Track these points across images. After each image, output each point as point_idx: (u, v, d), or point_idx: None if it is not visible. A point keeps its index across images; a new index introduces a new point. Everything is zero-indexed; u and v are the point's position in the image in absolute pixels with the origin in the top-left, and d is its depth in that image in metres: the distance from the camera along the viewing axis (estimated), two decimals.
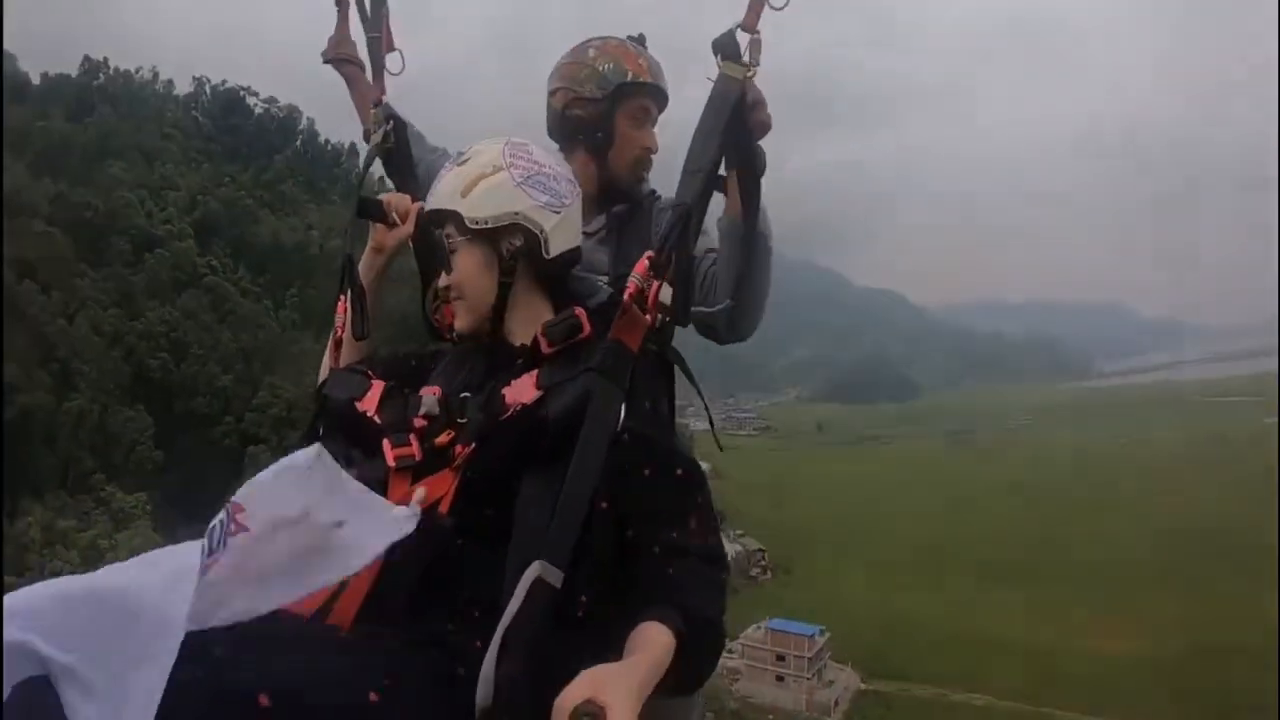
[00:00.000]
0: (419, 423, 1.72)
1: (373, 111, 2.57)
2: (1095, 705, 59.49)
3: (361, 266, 2.20)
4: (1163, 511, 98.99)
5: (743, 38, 1.94)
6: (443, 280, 1.90)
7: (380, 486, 1.61)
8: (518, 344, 1.86)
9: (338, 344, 2.10)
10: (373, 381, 1.85)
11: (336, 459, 1.52)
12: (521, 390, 1.70)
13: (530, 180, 1.85)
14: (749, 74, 1.93)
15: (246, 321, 64.02)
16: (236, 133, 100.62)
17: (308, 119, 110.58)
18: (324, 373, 2.13)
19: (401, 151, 2.55)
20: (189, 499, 49.13)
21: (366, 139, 2.62)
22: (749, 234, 2.18)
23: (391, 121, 2.52)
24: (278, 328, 67.01)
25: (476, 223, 1.82)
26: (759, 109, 2.03)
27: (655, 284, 1.70)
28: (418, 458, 1.68)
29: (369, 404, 1.80)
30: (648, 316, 1.70)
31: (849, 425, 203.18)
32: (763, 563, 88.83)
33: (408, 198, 2.33)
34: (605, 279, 2.28)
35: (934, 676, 65.36)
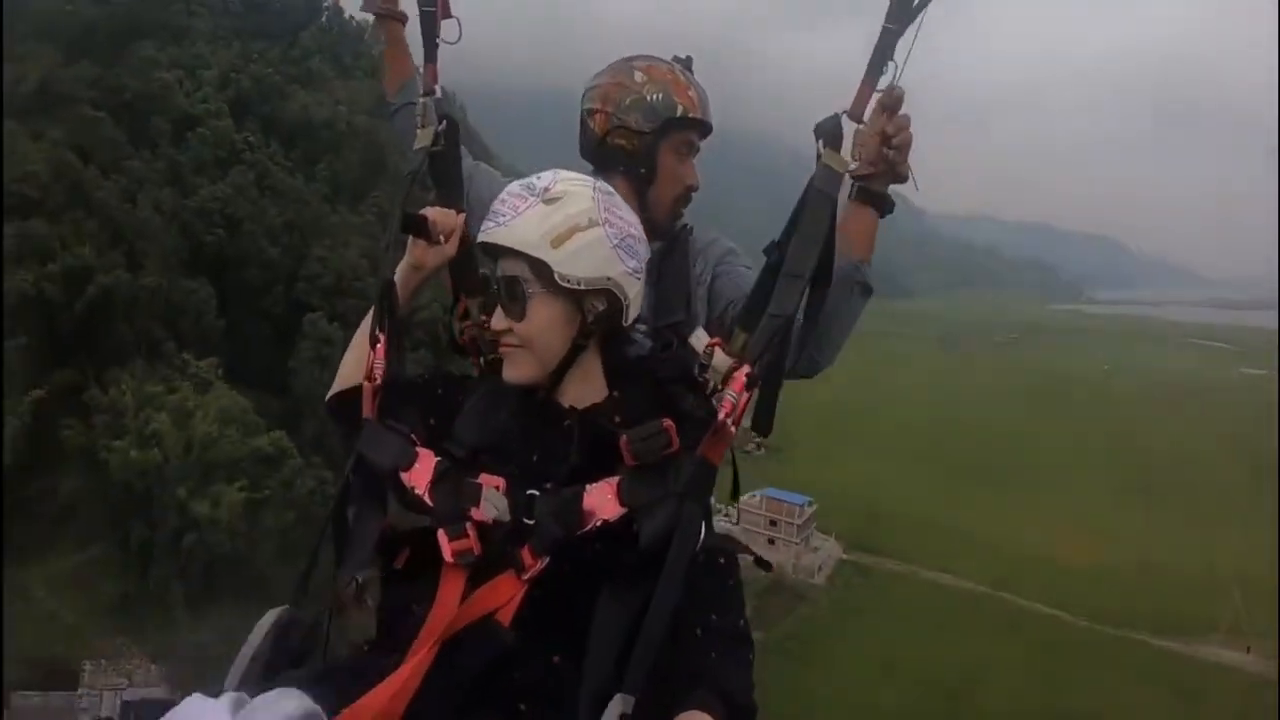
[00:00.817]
0: (477, 515, 1.61)
1: (422, 102, 2.29)
2: (1048, 598, 66.63)
3: (396, 280, 1.99)
4: (1131, 437, 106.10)
5: (848, 125, 1.87)
6: (503, 323, 1.76)
7: (433, 582, 1.60)
8: (567, 404, 1.78)
9: (375, 394, 1.83)
10: (418, 451, 1.71)
11: (373, 525, 1.70)
12: (602, 502, 1.59)
13: (624, 243, 1.75)
14: (851, 165, 1.89)
15: (286, 196, 66.36)
16: (263, 10, 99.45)
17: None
18: (341, 382, 1.99)
19: (451, 157, 2.30)
20: (251, 364, 54.58)
21: (390, 117, 2.44)
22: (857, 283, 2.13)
23: (445, 121, 2.26)
24: (315, 201, 69.49)
25: (568, 280, 1.69)
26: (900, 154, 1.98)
27: (746, 398, 1.63)
28: (477, 553, 1.58)
29: (418, 480, 1.68)
30: (733, 427, 1.62)
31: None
32: (757, 439, 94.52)
33: (453, 213, 2.12)
34: (644, 328, 2.22)
35: (907, 555, 73.06)
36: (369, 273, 61.58)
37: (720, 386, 1.79)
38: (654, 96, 2.34)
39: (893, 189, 2.13)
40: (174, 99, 70.17)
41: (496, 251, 1.77)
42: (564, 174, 1.83)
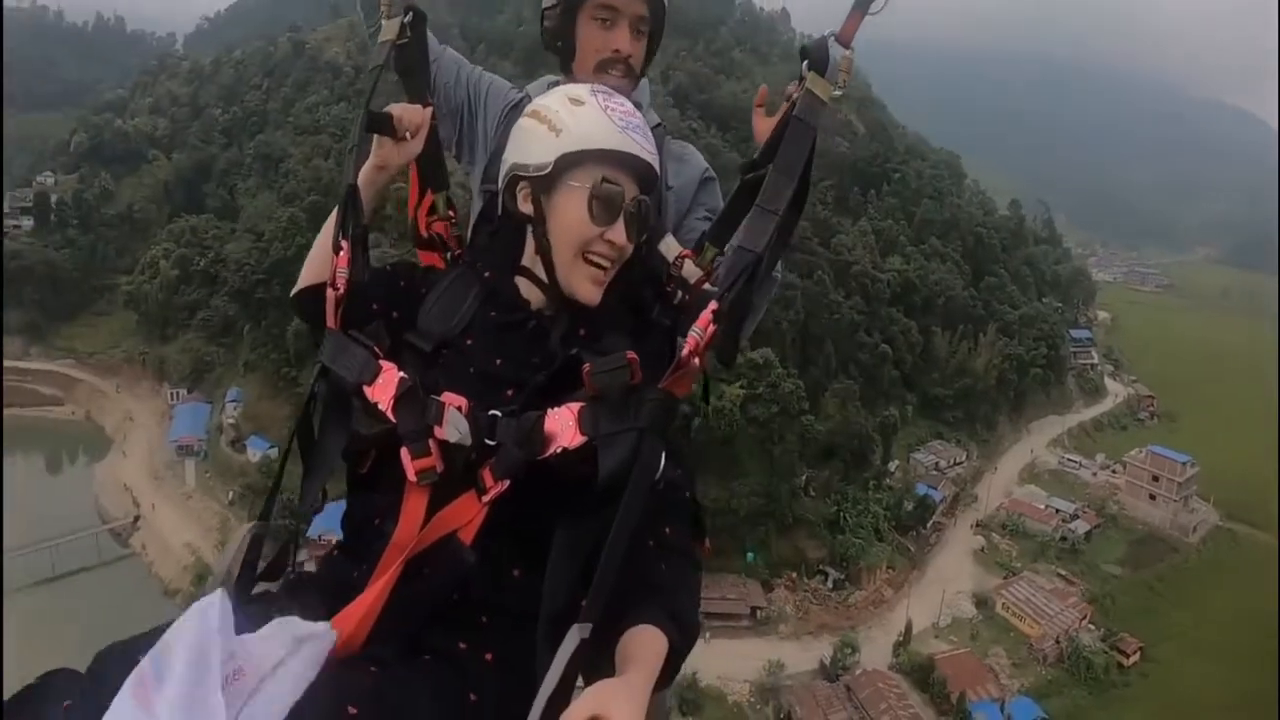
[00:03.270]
0: (440, 434, 1.59)
1: None
2: None
3: (359, 184, 1.92)
4: None
5: (835, 50, 1.81)
6: (624, 237, 1.76)
7: (396, 494, 1.61)
8: (525, 297, 1.84)
9: (338, 303, 1.80)
10: (382, 364, 1.69)
11: (337, 437, 1.72)
12: (563, 428, 1.57)
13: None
14: (835, 92, 1.81)
15: (736, 169, 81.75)
16: (683, 13, 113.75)
17: None
18: (305, 278, 1.95)
19: (418, 50, 2.24)
20: None
21: (371, 37, 2.29)
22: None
23: (411, 12, 2.20)
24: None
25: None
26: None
27: (712, 330, 1.62)
28: (440, 471, 1.58)
29: (381, 396, 1.66)
30: (698, 361, 1.61)
31: (1256, 295, 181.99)
32: (1151, 408, 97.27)
33: (418, 108, 2.06)
34: None
35: None
36: (812, 234, 75.23)
37: (687, 296, 1.94)
38: None
39: None
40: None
41: (634, 166, 1.77)
42: (594, 80, 2.06)
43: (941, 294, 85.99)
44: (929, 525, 67.47)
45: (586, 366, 1.60)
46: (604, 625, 1.43)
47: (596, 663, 1.44)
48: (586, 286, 1.78)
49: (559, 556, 1.55)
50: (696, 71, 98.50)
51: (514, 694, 1.45)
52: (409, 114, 2.04)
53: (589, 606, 1.42)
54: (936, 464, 74.42)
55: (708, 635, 53.42)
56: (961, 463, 76.24)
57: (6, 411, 69.11)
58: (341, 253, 1.82)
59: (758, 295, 1.95)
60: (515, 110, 2.41)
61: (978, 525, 69.69)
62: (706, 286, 1.92)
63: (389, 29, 2.16)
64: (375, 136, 2.00)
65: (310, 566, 1.81)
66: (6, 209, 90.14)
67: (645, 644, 1.46)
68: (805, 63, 1.83)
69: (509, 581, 1.61)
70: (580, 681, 1.42)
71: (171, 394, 76.03)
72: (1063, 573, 63.47)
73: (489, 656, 1.55)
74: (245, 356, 72.67)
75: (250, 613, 1.37)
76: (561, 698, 1.35)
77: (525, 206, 1.82)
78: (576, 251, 1.77)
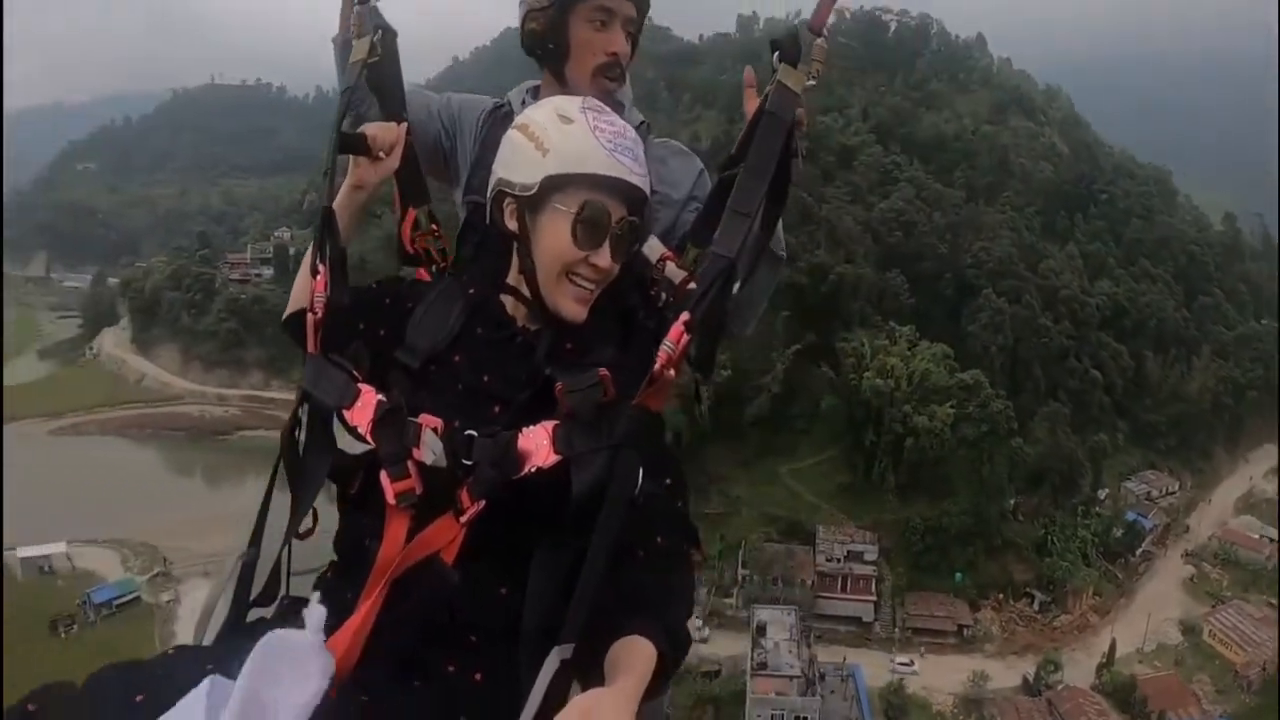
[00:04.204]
0: (418, 455, 1.59)
1: (355, 9, 2.17)
2: None
3: (336, 206, 1.93)
4: None
5: (806, 39, 1.76)
6: (609, 261, 1.74)
7: (381, 516, 1.60)
8: (510, 313, 1.83)
9: (317, 327, 1.79)
10: (361, 387, 1.69)
11: (321, 461, 1.72)
12: (537, 446, 1.57)
13: None
14: (809, 82, 1.75)
15: (941, 203, 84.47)
16: (881, 47, 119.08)
17: (937, 21, 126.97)
18: (292, 304, 1.98)
19: (390, 67, 2.19)
20: (933, 331, 72.39)
21: (342, 51, 2.23)
22: (767, 250, 1.93)
23: (380, 31, 2.14)
24: (962, 204, 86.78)
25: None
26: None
27: (685, 341, 1.60)
28: (419, 493, 1.58)
29: (360, 419, 1.66)
30: (673, 373, 1.61)
31: None
32: None
33: (392, 126, 2.05)
34: None
35: None
36: (1019, 260, 77.30)
37: (671, 299, 1.92)
38: None
39: None
40: (833, 136, 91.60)
41: (622, 189, 1.73)
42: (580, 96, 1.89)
43: (1153, 316, 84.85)
44: (1138, 553, 67.41)
45: (559, 385, 1.61)
46: (594, 637, 1.44)
47: (588, 674, 1.46)
48: (571, 305, 1.75)
49: (538, 575, 1.56)
50: (896, 106, 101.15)
51: (504, 714, 1.44)
52: (383, 132, 2.02)
53: (569, 626, 1.42)
54: (1148, 493, 73.86)
55: (922, 650, 56.85)
56: (1174, 493, 75.23)
57: (249, 433, 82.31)
58: (319, 276, 1.81)
59: (760, 283, 2.05)
60: (493, 117, 2.38)
61: (1188, 554, 68.91)
62: (691, 287, 1.82)
63: (359, 48, 2.10)
64: (351, 157, 2.00)
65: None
66: (249, 259, 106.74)
67: (634, 653, 1.43)
68: (776, 54, 1.76)
69: (495, 601, 1.60)
70: (578, 689, 1.46)
71: None
72: (1274, 602, 62.07)
73: (478, 677, 1.56)
74: None
75: (245, 640, 1.37)
76: (542, 718, 1.35)
77: (511, 224, 1.78)
78: (560, 272, 1.73)
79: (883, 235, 79.58)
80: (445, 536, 1.57)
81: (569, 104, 1.79)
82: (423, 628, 1.56)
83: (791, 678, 50.78)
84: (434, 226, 2.22)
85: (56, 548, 63.52)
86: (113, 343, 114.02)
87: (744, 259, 1.74)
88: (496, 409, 1.69)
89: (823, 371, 68.77)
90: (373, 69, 2.14)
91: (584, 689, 1.41)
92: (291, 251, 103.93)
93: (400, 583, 1.54)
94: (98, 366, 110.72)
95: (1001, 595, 61.93)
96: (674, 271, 1.95)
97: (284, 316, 1.99)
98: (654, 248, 1.98)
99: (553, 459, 1.56)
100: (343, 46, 2.28)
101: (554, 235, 1.72)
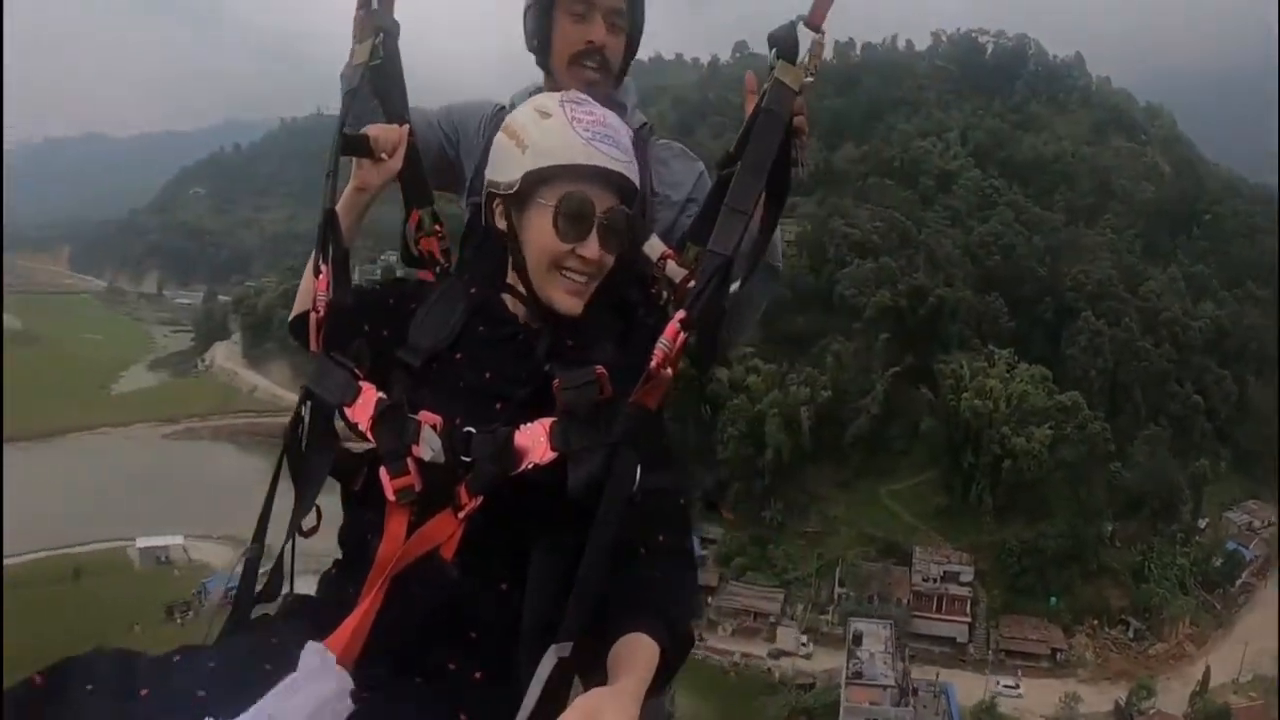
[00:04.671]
0: (418, 452, 1.61)
1: (357, 14, 2.14)
2: None
3: (339, 208, 1.95)
4: None
5: (804, 35, 1.75)
6: (599, 254, 1.74)
7: (382, 512, 1.62)
8: (512, 311, 1.83)
9: (319, 326, 1.81)
10: (362, 385, 1.71)
11: (323, 459, 1.74)
12: (534, 443, 1.59)
13: None
14: (807, 79, 1.76)
15: (1040, 226, 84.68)
16: (978, 69, 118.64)
17: (1034, 41, 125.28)
18: (297, 306, 2.01)
19: (392, 68, 2.17)
20: (1032, 354, 72.90)
21: (343, 78, 2.16)
22: (763, 261, 1.94)
23: (382, 34, 2.12)
24: (1062, 227, 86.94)
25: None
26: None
27: (682, 339, 1.60)
28: (418, 489, 1.59)
29: (360, 416, 1.68)
30: (670, 371, 1.61)
31: None
32: None
33: (394, 127, 2.06)
34: None
35: None
36: (1119, 282, 77.61)
37: (671, 297, 1.94)
38: None
39: None
40: (932, 160, 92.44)
41: (605, 178, 1.73)
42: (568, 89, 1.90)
43: (1256, 340, 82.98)
44: (1237, 584, 66.63)
45: (556, 382, 1.61)
46: (596, 634, 1.46)
47: (590, 672, 1.47)
48: (564, 298, 1.76)
49: (537, 572, 1.57)
50: (995, 129, 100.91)
51: (504, 712, 1.44)
52: (385, 134, 2.02)
53: (568, 623, 1.44)
54: (1250, 523, 72.72)
55: (1018, 672, 57.73)
56: (1275, 524, 73.33)
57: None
58: (321, 276, 1.83)
59: (756, 291, 2.06)
60: (495, 120, 2.35)
61: None
62: (691, 285, 1.81)
63: (360, 52, 2.10)
64: (354, 159, 2.00)
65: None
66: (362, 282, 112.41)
67: (636, 650, 1.44)
68: (773, 50, 1.76)
69: (495, 597, 1.61)
70: (579, 688, 1.48)
71: None
72: None
73: (478, 675, 1.57)
74: None
75: (248, 636, 1.44)
76: (543, 717, 1.37)
77: (501, 223, 1.81)
78: (549, 267, 1.75)
79: (982, 258, 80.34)
80: (444, 532, 1.58)
81: (549, 99, 1.80)
82: (423, 624, 1.58)
83: (885, 687, 52.46)
84: (438, 227, 2.22)
85: (174, 540, 68.28)
86: (224, 356, 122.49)
87: (741, 259, 1.75)
88: (498, 406, 1.70)
89: (922, 393, 69.95)
90: (375, 71, 2.12)
91: (586, 687, 1.45)
92: (398, 273, 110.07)
93: (400, 579, 1.56)
94: (210, 378, 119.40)
95: (1096, 621, 62.16)
96: (675, 270, 1.99)
97: (290, 318, 2.01)
98: (655, 246, 2.03)
99: (550, 455, 1.57)
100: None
101: (538, 230, 1.74)
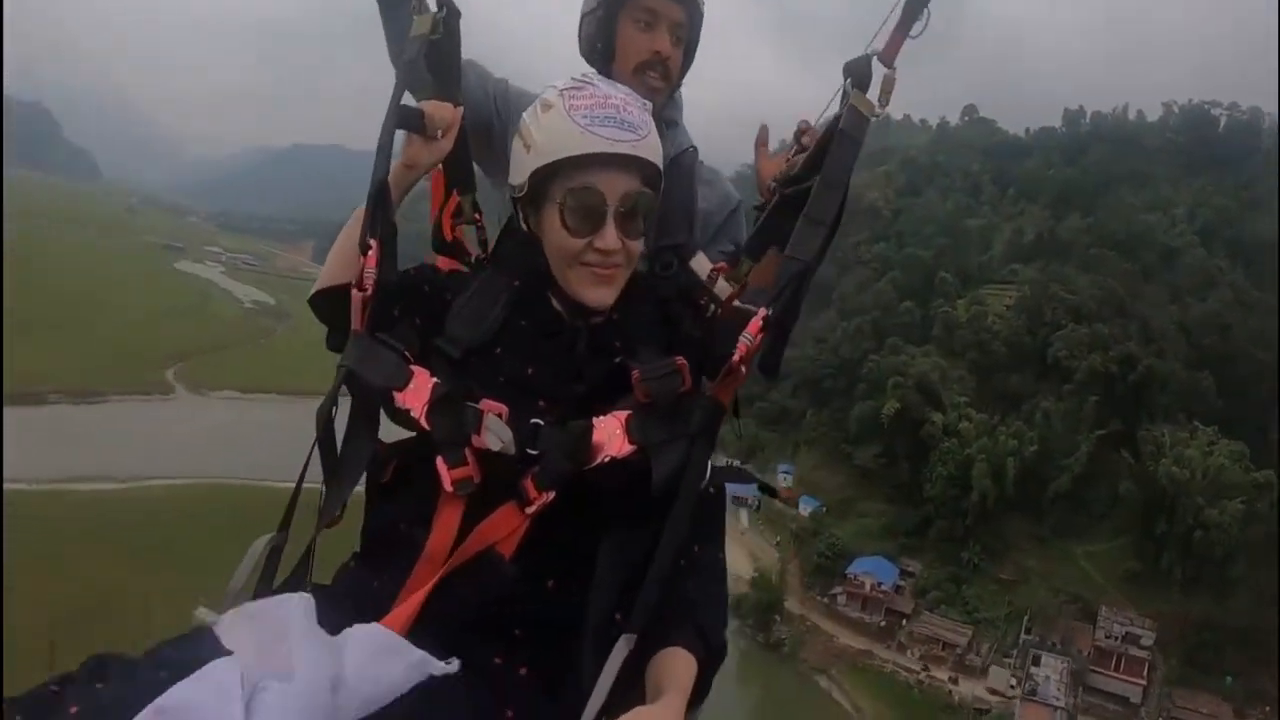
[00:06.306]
0: (478, 442, 1.56)
1: None
2: None
3: (390, 181, 1.83)
4: None
5: (877, 69, 1.82)
6: (616, 242, 1.69)
7: (425, 503, 1.58)
8: (559, 308, 1.78)
9: (365, 304, 1.72)
10: (413, 369, 1.64)
11: (364, 446, 1.65)
12: (610, 437, 1.57)
13: None
14: (878, 110, 1.81)
15: (1260, 308, 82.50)
16: (1209, 142, 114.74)
17: (1269, 115, 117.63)
18: (325, 279, 1.86)
19: (451, 47, 2.11)
20: (1237, 432, 72.58)
21: (390, 39, 2.16)
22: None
23: (445, 8, 2.06)
24: None
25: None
26: None
27: (760, 339, 1.62)
28: (477, 482, 1.55)
29: (413, 402, 1.61)
30: (745, 369, 1.63)
31: None
32: None
33: (449, 106, 1.98)
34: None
35: None
36: None
37: (718, 311, 1.94)
38: None
39: None
40: (1156, 236, 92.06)
41: (613, 162, 1.67)
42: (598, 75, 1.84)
43: None
44: None
45: (636, 373, 1.60)
46: (638, 641, 1.47)
47: (628, 678, 1.47)
48: (589, 291, 1.71)
49: (605, 568, 1.56)
50: (1223, 206, 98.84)
51: (548, 708, 1.46)
52: (440, 111, 1.93)
53: (636, 614, 1.47)
54: None
55: None
56: None
57: None
58: (370, 253, 1.71)
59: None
60: None
61: None
62: (737, 303, 1.89)
63: (421, 24, 2.00)
64: (406, 135, 1.92)
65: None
66: None
67: (677, 666, 1.46)
68: (848, 79, 1.81)
69: (544, 594, 1.59)
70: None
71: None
72: None
73: (524, 670, 1.55)
74: (804, 436, 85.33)
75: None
76: (609, 707, 1.39)
77: (525, 225, 1.80)
78: (569, 263, 1.71)
79: (1197, 336, 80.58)
80: (507, 527, 1.55)
81: (552, 90, 1.75)
82: (469, 620, 1.55)
83: (1057, 708, 55.23)
84: (477, 216, 2.17)
85: None
86: None
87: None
88: (541, 403, 1.66)
89: (1123, 457, 71.59)
90: (432, 47, 2.03)
91: (623, 692, 1.47)
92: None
93: (449, 573, 1.53)
94: None
95: (1269, 709, 60.73)
96: (723, 287, 2.01)
97: (314, 291, 1.88)
98: (702, 262, 2.09)
99: (627, 449, 1.56)
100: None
101: (551, 229, 1.71)
